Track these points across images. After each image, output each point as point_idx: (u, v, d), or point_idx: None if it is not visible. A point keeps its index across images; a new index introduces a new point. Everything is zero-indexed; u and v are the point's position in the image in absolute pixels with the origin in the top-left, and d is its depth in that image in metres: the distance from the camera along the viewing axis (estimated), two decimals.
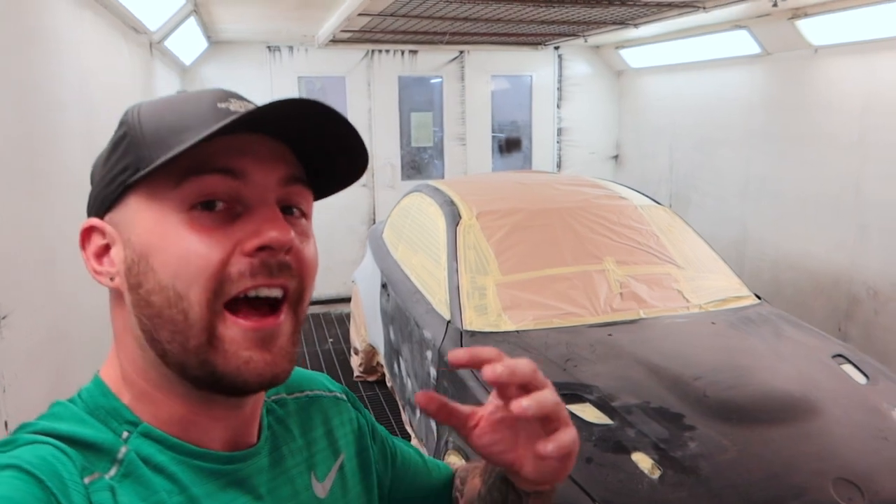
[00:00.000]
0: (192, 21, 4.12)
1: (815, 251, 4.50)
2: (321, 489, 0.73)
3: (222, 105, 0.62)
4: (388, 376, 3.84)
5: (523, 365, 0.64)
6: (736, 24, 4.65)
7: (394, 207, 4.41)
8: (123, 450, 0.58)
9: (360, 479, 0.80)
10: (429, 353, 2.90)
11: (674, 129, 5.97)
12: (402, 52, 6.20)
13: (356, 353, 4.69)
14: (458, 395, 2.51)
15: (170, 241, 0.59)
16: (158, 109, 0.63)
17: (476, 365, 0.63)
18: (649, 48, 5.84)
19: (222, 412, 0.65)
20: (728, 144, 5.29)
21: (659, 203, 3.65)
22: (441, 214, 3.44)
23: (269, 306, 0.61)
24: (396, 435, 1.14)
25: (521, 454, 0.68)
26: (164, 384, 0.62)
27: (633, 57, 6.21)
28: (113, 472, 0.57)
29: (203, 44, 5.33)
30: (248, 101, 0.65)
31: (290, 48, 6.00)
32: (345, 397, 0.85)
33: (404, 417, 3.35)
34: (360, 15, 4.11)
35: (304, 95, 6.59)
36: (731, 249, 5.07)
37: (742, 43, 4.80)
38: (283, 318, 0.62)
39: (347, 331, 5.39)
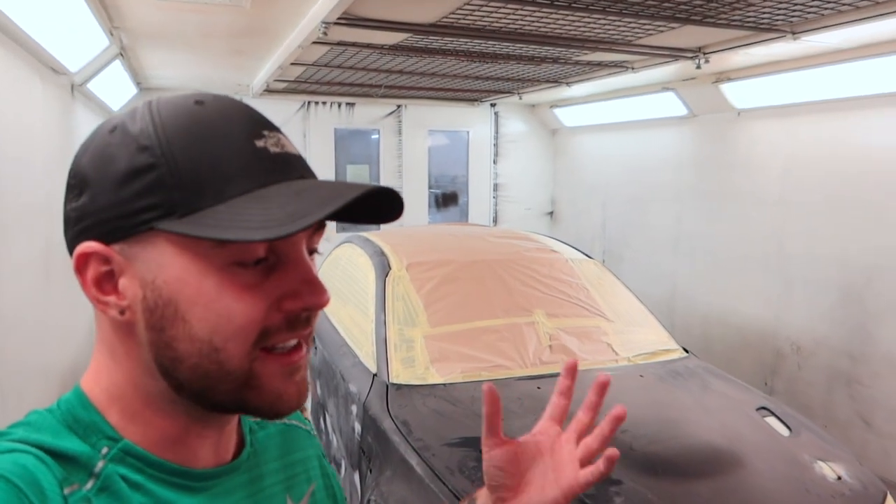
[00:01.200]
0: (118, 65, 4.01)
1: (742, 307, 4.59)
2: None
3: (259, 143, 0.59)
4: (314, 432, 3.68)
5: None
6: (664, 87, 4.82)
7: (325, 259, 4.32)
8: (101, 464, 0.58)
9: None
10: (354, 408, 2.78)
11: (607, 186, 6.10)
12: (339, 105, 6.20)
13: None
14: (381, 449, 2.40)
15: (209, 298, 0.57)
16: (190, 141, 0.57)
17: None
18: (582, 108, 6.00)
19: (213, 430, 0.66)
20: (659, 202, 5.42)
21: (590, 257, 3.67)
22: (371, 265, 3.36)
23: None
24: None
25: (521, 486, 0.78)
26: (166, 407, 0.62)
27: (567, 116, 6.37)
28: (89, 485, 0.56)
29: (132, 90, 5.21)
30: (276, 129, 0.63)
31: None
32: (315, 434, 0.87)
33: None
34: (293, 64, 4.08)
35: None
36: (662, 305, 5.14)
37: (670, 104, 4.98)
38: (305, 350, 0.64)
39: None
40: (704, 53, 3.55)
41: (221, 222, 0.55)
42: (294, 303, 0.60)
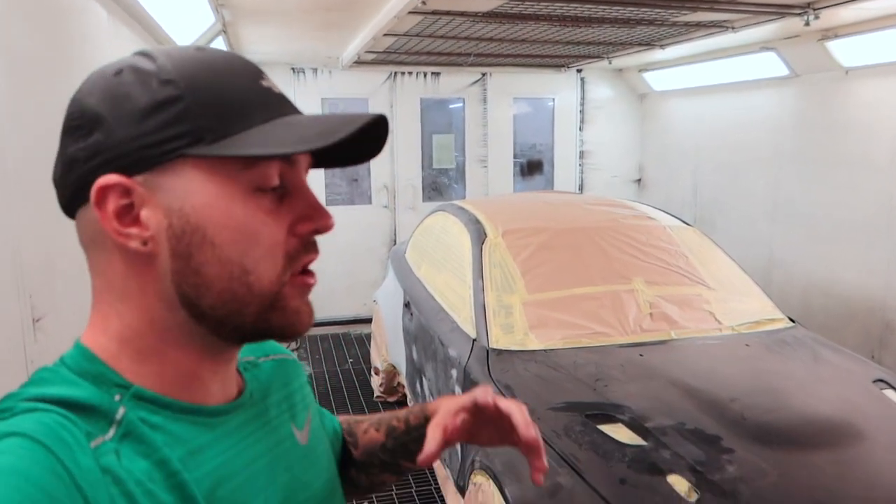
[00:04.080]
0: (220, 41, 4.14)
1: (848, 276, 4.39)
2: (302, 437, 0.79)
3: (265, 84, 0.65)
4: (409, 396, 3.77)
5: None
6: (763, 46, 4.61)
7: (417, 227, 4.38)
8: (121, 411, 0.59)
9: (324, 433, 0.88)
10: (454, 372, 2.84)
11: (698, 151, 5.91)
12: (425, 74, 6.21)
13: (377, 373, 4.63)
14: None
15: (239, 220, 0.61)
16: (209, 77, 0.62)
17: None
18: (673, 71, 5.81)
19: (223, 365, 0.69)
20: (755, 167, 5.21)
21: (688, 224, 3.59)
22: (466, 233, 3.40)
23: None
24: None
25: (487, 436, 0.89)
26: (182, 340, 0.64)
27: (657, 80, 6.18)
28: (112, 433, 0.57)
29: None
30: (267, 76, 0.68)
31: (314, 70, 6.03)
32: (300, 362, 0.95)
33: None
34: (385, 35, 4.11)
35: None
36: (758, 273, 4.95)
37: (769, 65, 4.76)
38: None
39: (367, 351, 5.34)
40: (814, 9, 3.37)
41: (255, 144, 0.59)
42: (306, 226, 0.64)
